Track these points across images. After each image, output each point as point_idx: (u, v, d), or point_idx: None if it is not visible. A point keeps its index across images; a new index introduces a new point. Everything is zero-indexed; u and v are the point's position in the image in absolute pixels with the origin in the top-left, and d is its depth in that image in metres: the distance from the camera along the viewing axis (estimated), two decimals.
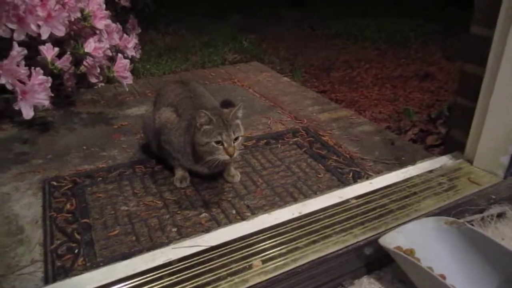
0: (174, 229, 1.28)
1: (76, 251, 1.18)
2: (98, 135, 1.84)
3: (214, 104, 1.55)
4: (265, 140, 1.80)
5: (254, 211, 1.34)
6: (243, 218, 1.23)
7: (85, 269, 1.10)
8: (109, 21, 1.94)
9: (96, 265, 1.12)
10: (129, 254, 1.14)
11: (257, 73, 2.66)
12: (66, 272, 1.10)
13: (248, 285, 0.88)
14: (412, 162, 1.46)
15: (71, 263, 1.14)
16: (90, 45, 1.80)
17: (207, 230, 1.15)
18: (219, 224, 1.28)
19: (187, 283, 0.91)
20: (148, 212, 1.35)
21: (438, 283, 0.79)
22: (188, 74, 2.65)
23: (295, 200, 1.37)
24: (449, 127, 1.51)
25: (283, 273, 0.92)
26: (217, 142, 1.28)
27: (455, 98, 1.42)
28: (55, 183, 1.49)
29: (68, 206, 1.38)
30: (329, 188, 1.45)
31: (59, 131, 1.87)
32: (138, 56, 2.61)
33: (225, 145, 1.28)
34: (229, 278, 0.91)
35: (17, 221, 1.31)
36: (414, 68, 3.05)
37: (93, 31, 1.91)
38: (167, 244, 1.08)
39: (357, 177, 1.52)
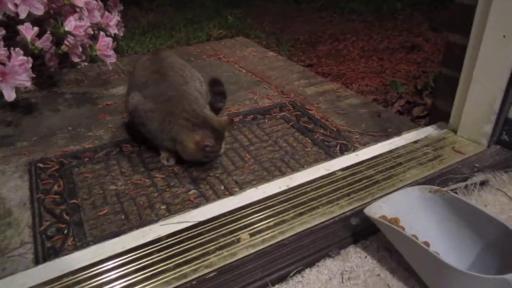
0: (163, 207, 1.28)
1: (66, 231, 1.18)
2: (83, 115, 1.82)
3: (190, 74, 1.54)
4: (252, 116, 1.79)
5: (242, 186, 1.34)
6: (231, 194, 1.23)
7: (75, 248, 1.10)
8: None
9: (86, 245, 1.12)
10: (118, 233, 1.14)
11: (242, 48, 2.63)
12: (57, 253, 1.10)
13: (236, 258, 0.90)
14: (398, 133, 1.47)
15: (61, 243, 1.14)
16: (70, 24, 1.76)
17: (196, 206, 1.15)
18: (207, 200, 1.28)
19: (176, 258, 0.91)
20: (137, 190, 1.35)
21: (421, 250, 0.81)
22: (173, 52, 2.61)
23: (283, 174, 1.37)
24: (434, 98, 1.52)
25: (271, 245, 0.93)
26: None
27: (440, 68, 1.43)
28: (41, 165, 1.47)
29: (55, 187, 1.37)
30: (317, 161, 1.46)
31: (43, 113, 1.84)
32: (121, 34, 2.57)
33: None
34: (217, 252, 0.92)
35: (4, 204, 1.30)
36: (401, 40, 3.05)
37: (73, 9, 1.86)
38: (156, 221, 1.08)
39: (344, 150, 1.53)
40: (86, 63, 2.13)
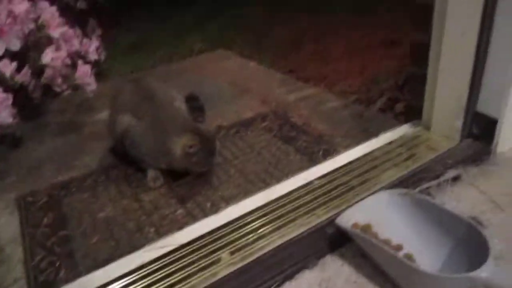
0: (152, 229, 1.30)
1: (57, 264, 1.20)
2: (69, 144, 1.84)
3: (172, 95, 1.58)
4: (235, 129, 1.81)
5: (229, 201, 1.36)
6: (217, 210, 1.25)
7: (67, 280, 1.12)
8: (65, 28, 1.93)
9: (78, 275, 1.14)
10: (109, 260, 1.16)
11: (223, 61, 2.66)
12: (49, 286, 1.12)
13: (217, 278, 0.92)
14: (381, 132, 1.48)
15: (54, 276, 1.16)
16: (47, 56, 1.79)
17: (183, 227, 1.17)
18: (195, 219, 1.29)
19: (159, 284, 0.94)
20: (125, 215, 1.37)
21: (390, 255, 0.83)
22: (155, 70, 2.65)
23: (268, 185, 1.39)
24: (408, 96, 1.54)
25: (250, 262, 0.95)
26: None
27: (408, 66, 1.45)
28: (30, 199, 1.49)
29: (45, 220, 1.38)
30: (301, 169, 1.47)
31: (30, 145, 1.87)
32: (102, 58, 2.59)
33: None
34: (199, 274, 0.94)
35: None
36: (381, 36, 3.06)
37: (50, 40, 1.89)
38: (143, 245, 1.11)
39: (326, 155, 1.54)
40: (69, 91, 2.15)
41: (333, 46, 3.01)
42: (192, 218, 1.31)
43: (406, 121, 1.56)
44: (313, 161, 1.51)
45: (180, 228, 1.17)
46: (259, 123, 1.84)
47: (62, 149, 1.81)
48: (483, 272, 0.72)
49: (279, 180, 1.41)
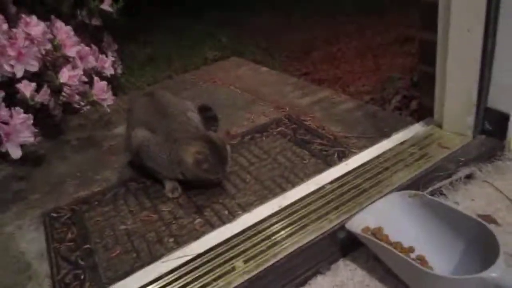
0: (171, 240, 1.32)
1: (82, 277, 1.24)
2: (90, 160, 1.89)
3: (185, 107, 1.62)
4: (250, 136, 1.83)
5: (245, 209, 1.37)
6: (235, 217, 1.27)
7: None
8: (80, 47, 1.98)
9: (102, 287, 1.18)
10: (130, 271, 1.19)
11: (236, 68, 2.68)
12: None
13: (231, 286, 0.94)
14: (394, 131, 1.48)
15: None
16: (64, 75, 1.84)
17: (201, 235, 1.19)
18: (213, 227, 1.31)
19: None
20: (145, 227, 1.40)
21: (400, 258, 0.83)
22: (171, 81, 2.70)
23: (284, 190, 1.40)
24: (420, 94, 1.53)
25: (264, 269, 0.97)
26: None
27: (419, 65, 1.44)
28: (54, 215, 1.54)
29: (69, 235, 1.43)
30: (316, 172, 1.47)
31: (52, 162, 1.93)
32: (120, 72, 2.65)
33: (220, 178, 1.44)
34: (214, 283, 0.96)
35: (24, 258, 1.37)
36: (393, 34, 3.03)
37: (66, 59, 1.95)
38: (163, 256, 1.13)
39: (342, 157, 1.55)
40: (88, 107, 2.21)
41: (346, 47, 3.00)
42: (210, 226, 1.33)
43: (420, 119, 1.54)
44: (328, 164, 1.52)
45: (197, 237, 1.19)
46: (274, 128, 1.85)
47: (83, 164, 1.86)
48: (493, 272, 0.72)
49: (295, 185, 1.42)
